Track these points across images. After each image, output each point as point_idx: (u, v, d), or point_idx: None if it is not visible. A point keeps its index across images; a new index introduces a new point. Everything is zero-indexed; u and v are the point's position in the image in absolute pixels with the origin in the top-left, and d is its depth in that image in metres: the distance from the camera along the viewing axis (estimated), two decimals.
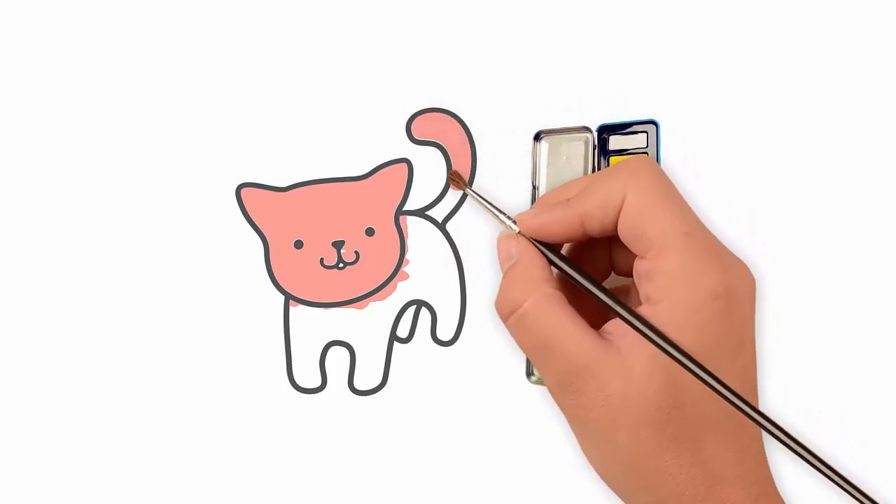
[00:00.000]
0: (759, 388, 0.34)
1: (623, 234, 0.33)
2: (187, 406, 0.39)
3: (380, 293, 0.39)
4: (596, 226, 0.33)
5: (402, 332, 0.39)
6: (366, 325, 0.39)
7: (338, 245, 0.38)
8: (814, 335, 0.39)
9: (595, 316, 0.33)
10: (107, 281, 0.39)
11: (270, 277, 0.39)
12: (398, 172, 0.39)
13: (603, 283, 0.36)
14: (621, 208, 0.32)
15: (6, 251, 0.39)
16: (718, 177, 0.38)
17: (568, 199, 0.34)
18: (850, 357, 0.39)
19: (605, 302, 0.32)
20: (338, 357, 0.39)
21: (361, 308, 0.39)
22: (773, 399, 0.38)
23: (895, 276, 0.39)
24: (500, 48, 0.39)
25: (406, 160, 0.39)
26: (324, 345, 0.39)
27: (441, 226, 0.39)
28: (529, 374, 0.38)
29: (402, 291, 0.39)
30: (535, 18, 0.39)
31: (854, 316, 0.39)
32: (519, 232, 0.35)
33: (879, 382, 0.39)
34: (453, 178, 0.38)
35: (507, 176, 0.39)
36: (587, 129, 0.38)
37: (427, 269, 0.39)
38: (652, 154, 0.38)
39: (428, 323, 0.39)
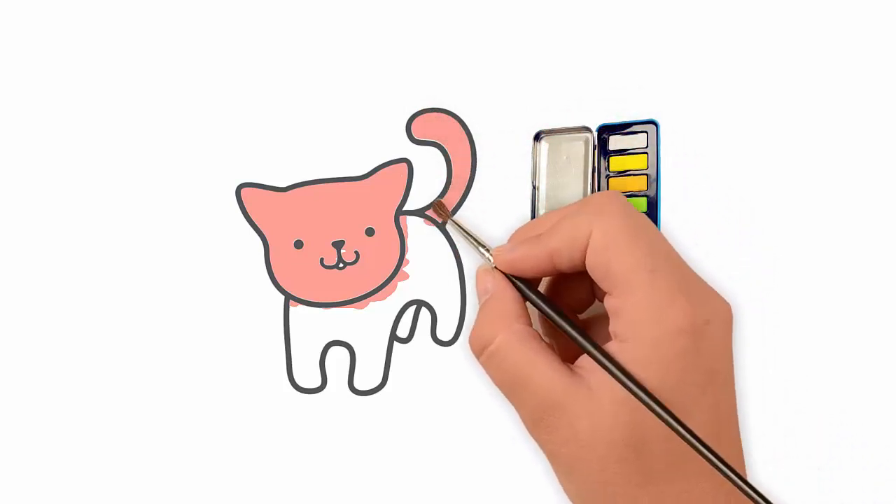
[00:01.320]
0: (745, 414, 0.34)
1: (591, 270, 0.33)
2: (187, 406, 0.39)
3: (380, 293, 0.39)
4: (565, 262, 0.33)
5: (402, 332, 0.39)
6: (366, 325, 0.39)
7: (338, 245, 0.38)
8: (815, 346, 0.39)
9: (572, 348, 0.33)
10: (107, 281, 0.39)
11: (270, 277, 0.39)
12: (398, 172, 0.39)
13: (587, 310, 0.36)
14: (588, 245, 0.32)
15: (6, 251, 0.39)
16: (718, 177, 0.38)
17: (539, 235, 0.34)
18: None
19: (574, 338, 0.32)
20: (338, 357, 0.39)
21: (361, 308, 0.39)
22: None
23: None
24: (500, 48, 0.39)
25: (406, 160, 0.39)
26: (324, 345, 0.39)
27: (441, 226, 0.39)
28: None
29: (402, 291, 0.39)
30: (534, 18, 0.39)
31: (854, 319, 0.39)
32: (495, 266, 0.35)
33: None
34: (437, 210, 0.38)
35: (507, 176, 0.39)
36: (587, 129, 0.38)
37: (427, 269, 0.39)
38: (652, 154, 0.38)
39: (428, 323, 0.39)
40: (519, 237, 0.36)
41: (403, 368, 0.39)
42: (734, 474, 0.29)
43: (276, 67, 0.39)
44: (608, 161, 0.38)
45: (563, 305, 0.36)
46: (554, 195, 0.38)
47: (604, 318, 0.35)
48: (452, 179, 0.39)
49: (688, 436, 0.29)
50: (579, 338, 0.32)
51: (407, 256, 0.39)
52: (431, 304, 0.39)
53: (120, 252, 0.39)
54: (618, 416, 0.31)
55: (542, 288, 0.37)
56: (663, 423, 0.30)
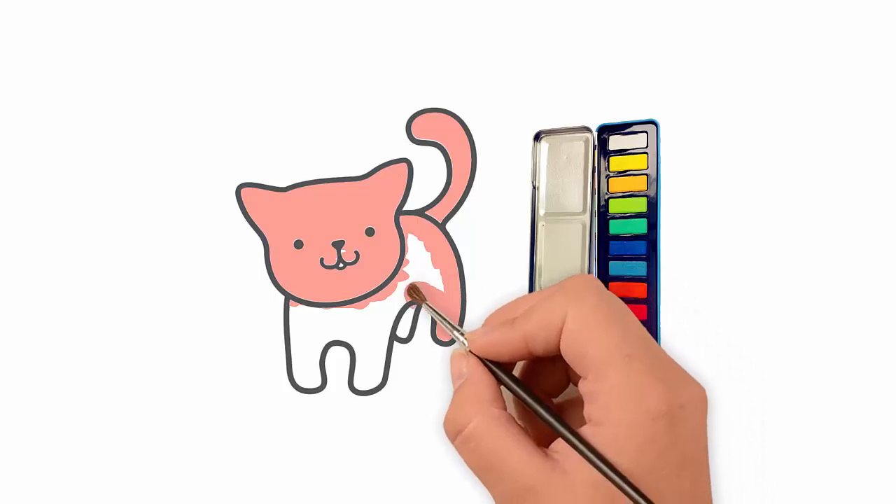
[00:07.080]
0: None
1: (565, 354, 0.32)
2: (188, 405, 0.39)
3: (380, 293, 0.39)
4: (540, 346, 0.33)
5: (402, 332, 0.39)
6: (366, 325, 0.39)
7: (338, 245, 0.39)
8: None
9: (547, 432, 0.33)
10: (107, 281, 0.39)
11: (270, 277, 0.39)
12: (398, 172, 0.39)
13: (562, 394, 0.35)
14: (562, 329, 0.32)
15: (7, 251, 0.39)
16: (718, 177, 0.38)
17: (514, 319, 0.34)
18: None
19: (549, 422, 0.32)
20: (338, 357, 0.39)
21: (361, 308, 0.39)
22: None
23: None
24: (500, 48, 0.39)
25: (406, 160, 0.39)
26: (324, 345, 0.39)
27: (441, 226, 0.39)
28: None
29: (402, 291, 0.39)
30: (535, 19, 0.39)
31: (850, 320, 0.38)
32: (469, 350, 0.35)
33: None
34: (412, 294, 0.38)
35: (507, 176, 0.39)
36: (587, 129, 0.38)
37: (427, 269, 0.39)
38: (652, 154, 0.38)
39: (428, 323, 0.39)
40: (494, 321, 0.36)
41: (403, 368, 0.39)
42: None
43: (277, 68, 0.39)
44: (608, 161, 0.38)
45: (537, 389, 0.36)
46: (554, 195, 0.38)
47: (578, 401, 0.35)
48: (452, 179, 0.39)
49: None
50: (553, 422, 0.32)
51: (407, 256, 0.39)
52: (431, 304, 0.39)
53: (121, 252, 0.39)
54: (592, 500, 0.31)
55: (516, 372, 0.37)
56: None
